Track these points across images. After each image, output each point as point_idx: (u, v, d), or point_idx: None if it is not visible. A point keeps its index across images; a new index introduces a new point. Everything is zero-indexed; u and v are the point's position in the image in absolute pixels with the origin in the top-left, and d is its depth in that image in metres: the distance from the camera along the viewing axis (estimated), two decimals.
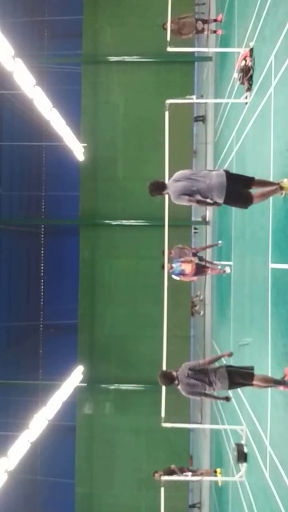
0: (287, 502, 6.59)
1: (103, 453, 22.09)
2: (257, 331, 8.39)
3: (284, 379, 6.33)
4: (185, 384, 6.71)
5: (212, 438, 16.87)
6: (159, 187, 6.68)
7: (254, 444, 8.85)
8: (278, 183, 6.29)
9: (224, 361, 7.56)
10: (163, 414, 10.82)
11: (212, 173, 6.20)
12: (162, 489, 12.32)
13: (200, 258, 13.79)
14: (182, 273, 13.09)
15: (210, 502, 17.21)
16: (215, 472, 14.37)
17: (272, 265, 7.30)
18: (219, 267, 13.60)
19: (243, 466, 9.75)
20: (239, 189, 6.15)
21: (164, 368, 10.84)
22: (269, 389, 7.27)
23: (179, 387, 6.80)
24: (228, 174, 6.13)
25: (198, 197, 6.23)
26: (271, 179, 7.30)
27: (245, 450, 9.68)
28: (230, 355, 7.13)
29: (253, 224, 8.84)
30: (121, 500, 22.00)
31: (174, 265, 12.97)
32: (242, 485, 10.02)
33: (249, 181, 6.27)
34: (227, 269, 12.59)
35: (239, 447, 9.78)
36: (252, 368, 6.71)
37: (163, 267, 12.84)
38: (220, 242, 14.29)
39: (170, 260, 13.18)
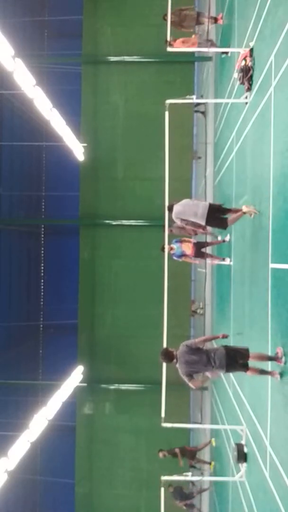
0: (287, 502, 6.59)
1: (103, 453, 22.10)
2: (257, 331, 8.39)
3: (277, 355, 6.68)
4: (184, 363, 7.08)
5: (212, 438, 16.86)
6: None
7: (254, 444, 8.84)
8: (242, 210, 8.56)
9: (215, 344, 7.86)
10: (163, 414, 10.82)
11: (200, 204, 8.85)
12: (162, 489, 12.32)
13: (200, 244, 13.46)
14: (183, 254, 12.96)
15: (210, 502, 17.20)
16: (210, 464, 15.77)
17: (272, 265, 7.30)
18: (219, 239, 13.35)
19: (243, 466, 9.75)
20: (217, 216, 8.73)
21: (164, 367, 10.83)
22: (269, 389, 7.28)
23: (177, 365, 7.19)
24: (210, 207, 8.69)
25: (189, 220, 8.78)
26: (270, 180, 7.34)
27: (245, 450, 9.67)
28: (226, 336, 7.54)
29: (253, 224, 8.84)
30: (121, 500, 22.00)
31: (174, 245, 12.80)
32: (242, 485, 10.02)
33: (226, 210, 8.83)
34: (227, 238, 12.52)
35: (239, 447, 9.77)
36: (247, 347, 7.19)
37: (162, 249, 12.70)
38: (227, 238, 13.85)
39: (170, 256, 13.04)
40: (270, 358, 6.90)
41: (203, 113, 19.61)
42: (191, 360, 7.02)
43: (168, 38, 11.70)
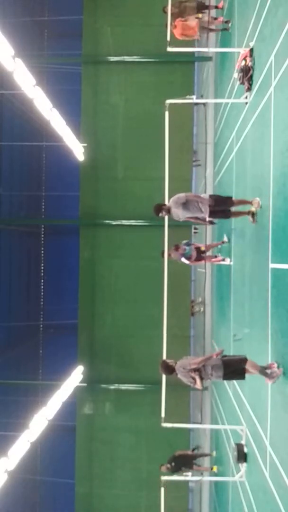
0: (287, 502, 6.59)
1: (103, 453, 22.08)
2: (257, 331, 8.39)
3: (268, 366, 6.85)
4: (183, 376, 7.50)
5: (212, 438, 16.87)
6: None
7: (254, 444, 8.85)
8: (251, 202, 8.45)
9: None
10: (163, 414, 10.81)
11: (201, 195, 8.98)
12: (162, 489, 12.32)
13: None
14: (190, 257, 13.01)
15: (210, 502, 17.21)
16: (212, 469, 15.05)
17: (272, 265, 7.30)
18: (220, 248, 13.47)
19: (243, 466, 9.75)
20: (221, 207, 8.81)
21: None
22: (269, 389, 7.29)
23: (178, 376, 7.56)
24: (214, 196, 8.95)
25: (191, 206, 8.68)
26: (271, 180, 7.33)
27: (245, 450, 9.68)
28: (220, 353, 7.69)
29: (253, 224, 8.84)
30: (121, 500, 22.00)
31: (186, 247, 12.76)
32: (242, 485, 10.02)
33: (229, 200, 8.94)
34: (225, 239, 12.58)
35: (239, 447, 9.78)
36: (245, 356, 7.42)
37: (162, 254, 12.68)
38: (225, 239, 13.67)
39: (169, 262, 13.00)
40: (262, 371, 6.99)
41: (204, 104, 19.55)
42: (189, 376, 7.44)
43: (168, 38, 11.63)
